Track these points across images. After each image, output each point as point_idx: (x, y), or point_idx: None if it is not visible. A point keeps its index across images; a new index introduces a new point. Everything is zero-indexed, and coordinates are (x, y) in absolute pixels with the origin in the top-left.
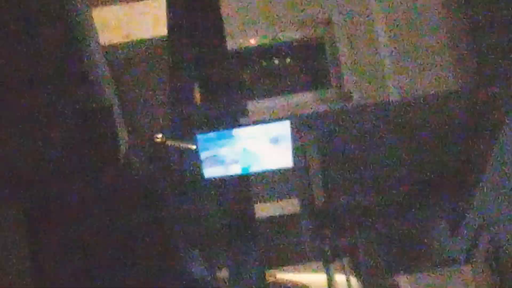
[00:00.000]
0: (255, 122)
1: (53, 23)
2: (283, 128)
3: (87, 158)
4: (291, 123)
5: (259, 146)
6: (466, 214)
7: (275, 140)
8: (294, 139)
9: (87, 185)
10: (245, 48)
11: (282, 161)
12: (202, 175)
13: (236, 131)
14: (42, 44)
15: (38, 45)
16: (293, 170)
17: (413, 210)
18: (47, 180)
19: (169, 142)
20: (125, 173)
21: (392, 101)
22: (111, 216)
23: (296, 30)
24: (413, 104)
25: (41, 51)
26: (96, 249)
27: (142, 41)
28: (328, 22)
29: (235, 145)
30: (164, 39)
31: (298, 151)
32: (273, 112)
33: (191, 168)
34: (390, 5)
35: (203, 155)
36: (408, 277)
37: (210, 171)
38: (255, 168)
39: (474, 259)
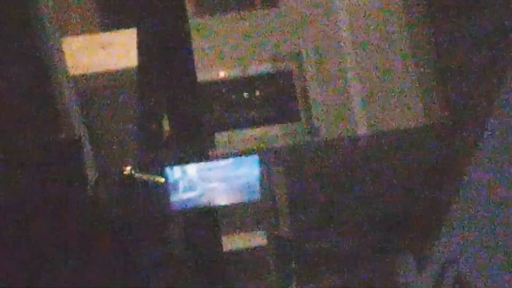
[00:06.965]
0: (224, 155)
1: (23, 53)
2: (251, 162)
3: (54, 190)
4: (259, 156)
5: (227, 179)
6: (433, 250)
7: (242, 174)
8: (262, 173)
9: (53, 218)
10: (214, 81)
11: (249, 194)
12: (170, 208)
13: (204, 164)
14: (10, 73)
15: (6, 75)
16: (260, 203)
17: (380, 246)
18: (12, 213)
19: (137, 175)
20: (92, 206)
21: (360, 136)
22: (77, 249)
23: (266, 64)
24: (381, 139)
25: (10, 81)
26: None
27: (112, 72)
28: (298, 56)
29: (203, 178)
30: (134, 71)
31: (266, 184)
32: (241, 145)
33: (159, 201)
34: (360, 41)
35: (171, 188)
36: None
37: (178, 204)
38: (223, 200)
39: None
